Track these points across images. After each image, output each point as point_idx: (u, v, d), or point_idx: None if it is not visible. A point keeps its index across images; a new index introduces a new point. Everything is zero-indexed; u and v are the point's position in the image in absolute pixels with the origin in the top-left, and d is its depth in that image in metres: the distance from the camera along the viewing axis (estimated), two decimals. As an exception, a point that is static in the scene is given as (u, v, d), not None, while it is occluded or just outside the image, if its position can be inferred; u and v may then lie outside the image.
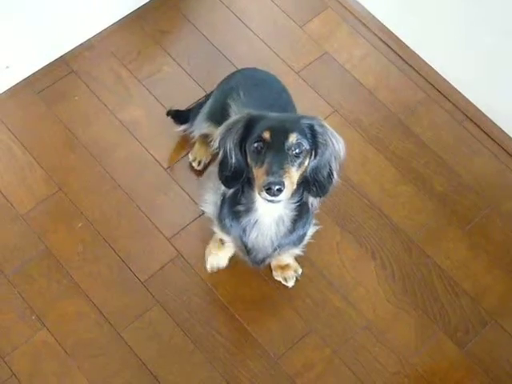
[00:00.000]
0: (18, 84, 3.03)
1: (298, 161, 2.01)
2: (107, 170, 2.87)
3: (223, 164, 2.12)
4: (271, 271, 2.70)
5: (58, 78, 3.05)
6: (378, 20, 3.21)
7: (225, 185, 2.19)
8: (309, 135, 2.04)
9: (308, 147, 2.02)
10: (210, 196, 2.45)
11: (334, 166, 2.12)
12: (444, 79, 3.09)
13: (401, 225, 2.82)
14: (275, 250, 2.32)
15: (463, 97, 3.05)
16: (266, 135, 2.00)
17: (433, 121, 3.03)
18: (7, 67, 2.96)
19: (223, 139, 2.11)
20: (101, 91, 3.03)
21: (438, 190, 2.89)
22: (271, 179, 1.94)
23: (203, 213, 2.75)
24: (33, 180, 2.85)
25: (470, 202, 2.88)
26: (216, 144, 2.14)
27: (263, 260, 2.39)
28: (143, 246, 2.74)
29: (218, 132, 2.14)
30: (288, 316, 2.66)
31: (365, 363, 2.58)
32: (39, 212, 2.79)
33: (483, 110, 3.02)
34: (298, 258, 2.69)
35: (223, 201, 2.31)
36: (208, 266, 2.71)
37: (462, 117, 3.04)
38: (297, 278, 2.69)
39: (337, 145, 2.09)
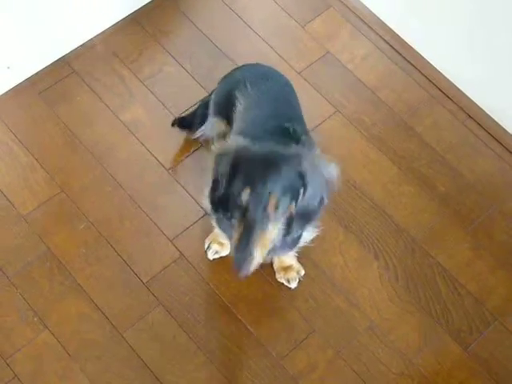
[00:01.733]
0: (19, 84, 3.03)
1: (279, 214, 1.95)
2: (109, 171, 2.86)
3: (215, 184, 2.07)
4: (274, 272, 2.69)
5: (60, 79, 3.05)
6: (381, 20, 3.20)
7: (212, 207, 2.13)
8: (296, 180, 1.96)
9: (290, 200, 1.96)
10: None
11: (326, 193, 2.07)
12: (447, 79, 3.08)
13: (404, 225, 2.81)
14: (268, 253, 2.13)
15: (466, 96, 3.04)
16: (245, 197, 1.93)
17: (435, 121, 3.02)
18: (8, 67, 2.95)
19: (216, 164, 2.06)
20: (102, 92, 3.03)
21: (440, 190, 2.88)
22: (237, 255, 1.93)
23: (206, 214, 2.75)
24: (34, 181, 2.84)
25: (473, 202, 2.87)
26: (212, 164, 2.09)
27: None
28: (145, 247, 2.73)
29: (213, 153, 2.09)
30: (291, 316, 2.65)
31: (368, 364, 2.57)
32: (41, 213, 2.78)
33: (486, 109, 3.01)
34: (300, 259, 2.68)
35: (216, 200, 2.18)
36: (209, 253, 2.70)
37: (464, 116, 3.04)
38: (299, 280, 2.69)
39: (328, 176, 2.05)
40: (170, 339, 2.60)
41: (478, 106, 3.02)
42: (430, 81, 3.10)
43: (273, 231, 1.97)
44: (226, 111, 2.49)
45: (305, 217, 2.07)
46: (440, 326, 2.64)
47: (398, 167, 2.92)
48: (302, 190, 1.98)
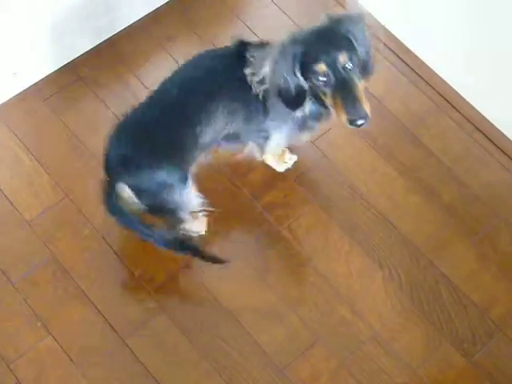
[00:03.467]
0: (25, 91, 3.04)
1: (357, 72, 2.20)
2: (114, 177, 2.86)
3: (283, 92, 2.26)
4: (278, 280, 2.69)
5: (66, 85, 3.05)
6: (387, 29, 3.20)
7: (291, 108, 2.34)
8: (350, 36, 2.20)
9: (354, 52, 2.20)
10: (282, 132, 2.58)
11: (368, 42, 2.26)
12: (453, 89, 3.08)
13: (409, 235, 2.80)
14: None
15: (472, 107, 3.03)
16: (322, 68, 2.16)
17: (442, 131, 3.02)
18: (14, 74, 2.96)
19: (275, 70, 2.24)
20: (108, 98, 3.03)
21: (446, 201, 2.88)
22: (354, 117, 2.16)
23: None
24: (39, 186, 2.84)
25: (478, 213, 2.86)
26: (268, 77, 2.27)
27: None
28: (150, 255, 2.72)
29: (266, 64, 2.26)
30: (294, 325, 2.64)
31: (371, 374, 2.56)
32: (45, 219, 2.78)
33: (492, 120, 3.00)
34: (304, 267, 2.71)
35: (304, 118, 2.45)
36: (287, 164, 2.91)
37: (470, 127, 3.03)
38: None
39: (360, 23, 2.23)
40: (173, 347, 2.59)
41: (485, 117, 3.02)
42: (437, 91, 3.10)
43: (360, 84, 2.21)
44: None
45: (365, 69, 2.28)
46: (444, 337, 2.63)
47: (403, 177, 2.91)
48: (356, 47, 2.21)
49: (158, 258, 2.72)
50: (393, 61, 3.16)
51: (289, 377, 2.55)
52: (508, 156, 2.97)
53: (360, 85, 2.20)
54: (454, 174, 2.93)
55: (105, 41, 3.15)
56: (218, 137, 2.50)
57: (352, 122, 2.16)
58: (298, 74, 2.22)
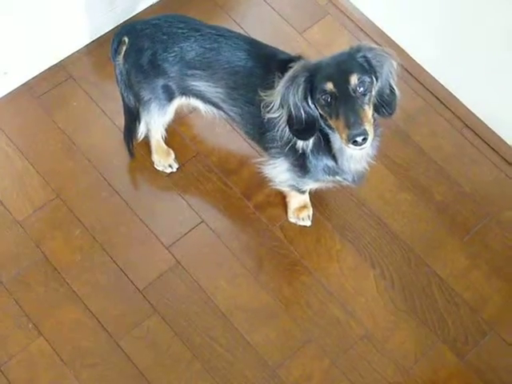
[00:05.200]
0: (15, 90, 3.02)
1: (367, 98, 2.12)
2: (105, 177, 2.85)
3: (292, 120, 2.21)
4: (269, 280, 2.69)
5: (56, 84, 3.04)
6: (378, 27, 3.20)
7: (300, 138, 2.28)
8: (366, 65, 2.14)
9: (369, 79, 2.12)
10: (281, 164, 2.52)
11: (393, 81, 2.21)
12: (443, 87, 3.08)
13: (400, 234, 2.81)
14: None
15: (463, 105, 3.04)
16: (330, 86, 2.09)
17: (432, 129, 3.02)
18: (5, 73, 2.94)
19: (285, 97, 2.18)
20: (99, 97, 3.02)
21: (437, 199, 2.88)
22: (354, 132, 2.07)
23: (202, 221, 2.75)
24: (30, 186, 2.83)
25: (469, 211, 2.87)
26: (277, 103, 2.22)
27: (361, 177, 2.52)
28: (141, 254, 2.72)
29: (277, 91, 2.21)
30: (286, 325, 2.64)
31: (364, 373, 2.57)
32: (36, 219, 2.77)
33: (483, 118, 3.01)
34: (296, 266, 2.70)
35: (306, 155, 2.39)
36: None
37: (461, 125, 3.03)
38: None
39: (390, 59, 2.18)
40: (166, 347, 2.59)
41: (475, 115, 3.02)
42: (427, 89, 3.10)
43: (369, 110, 2.14)
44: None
45: (383, 109, 2.23)
46: (436, 336, 2.64)
47: (394, 176, 2.91)
48: (373, 76, 2.15)
49: (149, 257, 2.72)
50: (384, 59, 3.16)
51: (281, 376, 2.56)
52: (499, 154, 2.98)
53: (368, 110, 2.13)
54: (445, 172, 2.93)
55: (96, 40, 3.14)
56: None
57: (351, 138, 2.07)
58: (310, 102, 2.17)
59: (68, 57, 3.09)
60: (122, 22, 3.16)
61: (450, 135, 3.02)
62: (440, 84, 3.08)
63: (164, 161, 2.86)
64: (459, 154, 2.98)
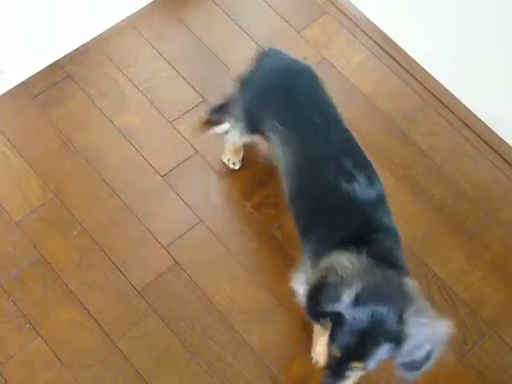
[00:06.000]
0: (12, 89, 3.01)
1: (369, 366, 1.90)
2: (103, 177, 2.84)
3: (314, 301, 2.00)
4: (269, 280, 2.68)
5: (54, 83, 3.03)
6: (377, 26, 3.19)
7: (312, 318, 2.16)
8: (395, 333, 1.85)
9: (387, 354, 1.87)
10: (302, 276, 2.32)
11: (434, 349, 1.91)
12: (442, 86, 3.07)
13: (399, 233, 2.79)
14: None
15: (462, 104, 3.03)
16: (336, 353, 1.90)
17: (431, 128, 3.02)
18: (2, 72, 2.94)
19: (327, 304, 1.91)
20: (97, 96, 3.01)
21: (436, 199, 2.88)
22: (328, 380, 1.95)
23: (200, 221, 2.74)
24: (27, 186, 2.82)
25: (468, 211, 2.86)
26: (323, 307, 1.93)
27: None
28: (139, 255, 2.71)
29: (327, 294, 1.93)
30: (286, 326, 2.63)
31: (363, 375, 2.56)
32: (34, 219, 2.76)
33: (482, 117, 3.00)
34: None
35: None
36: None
37: (460, 124, 3.03)
38: None
39: (434, 333, 1.90)
40: (164, 347, 2.58)
41: (474, 114, 3.02)
42: (426, 88, 3.09)
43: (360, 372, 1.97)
44: (257, 125, 2.49)
45: (410, 365, 1.94)
46: (435, 336, 2.63)
47: (393, 175, 2.90)
48: (402, 340, 1.86)
49: (147, 258, 2.71)
50: (382, 57, 3.16)
51: (280, 378, 2.55)
52: (498, 153, 2.98)
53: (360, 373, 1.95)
54: (444, 171, 2.93)
55: (93, 38, 3.13)
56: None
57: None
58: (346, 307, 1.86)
59: (65, 56, 3.08)
60: (119, 21, 3.15)
61: (449, 134, 3.01)
62: (439, 83, 3.07)
63: (233, 157, 2.87)
64: (458, 153, 2.98)
